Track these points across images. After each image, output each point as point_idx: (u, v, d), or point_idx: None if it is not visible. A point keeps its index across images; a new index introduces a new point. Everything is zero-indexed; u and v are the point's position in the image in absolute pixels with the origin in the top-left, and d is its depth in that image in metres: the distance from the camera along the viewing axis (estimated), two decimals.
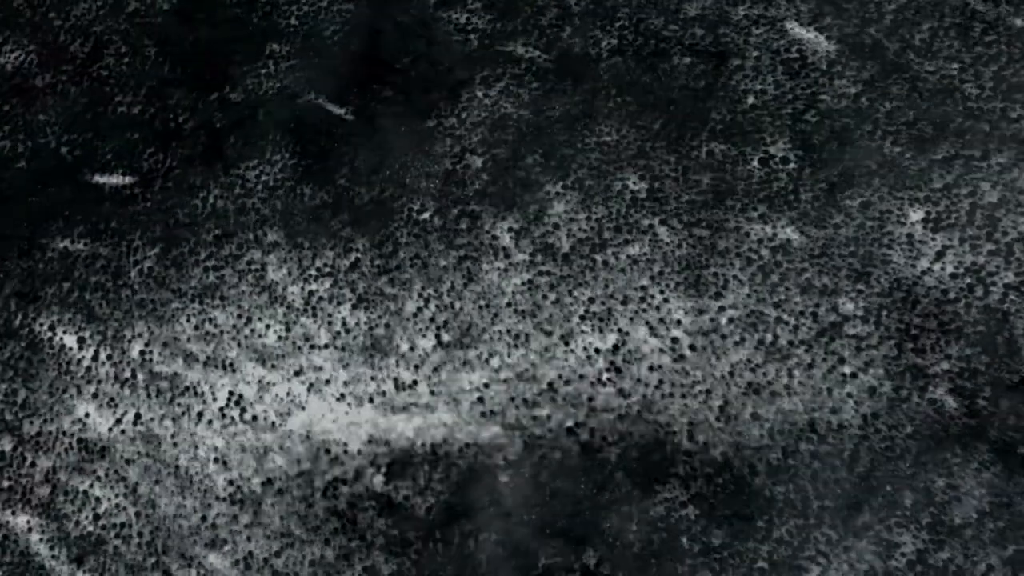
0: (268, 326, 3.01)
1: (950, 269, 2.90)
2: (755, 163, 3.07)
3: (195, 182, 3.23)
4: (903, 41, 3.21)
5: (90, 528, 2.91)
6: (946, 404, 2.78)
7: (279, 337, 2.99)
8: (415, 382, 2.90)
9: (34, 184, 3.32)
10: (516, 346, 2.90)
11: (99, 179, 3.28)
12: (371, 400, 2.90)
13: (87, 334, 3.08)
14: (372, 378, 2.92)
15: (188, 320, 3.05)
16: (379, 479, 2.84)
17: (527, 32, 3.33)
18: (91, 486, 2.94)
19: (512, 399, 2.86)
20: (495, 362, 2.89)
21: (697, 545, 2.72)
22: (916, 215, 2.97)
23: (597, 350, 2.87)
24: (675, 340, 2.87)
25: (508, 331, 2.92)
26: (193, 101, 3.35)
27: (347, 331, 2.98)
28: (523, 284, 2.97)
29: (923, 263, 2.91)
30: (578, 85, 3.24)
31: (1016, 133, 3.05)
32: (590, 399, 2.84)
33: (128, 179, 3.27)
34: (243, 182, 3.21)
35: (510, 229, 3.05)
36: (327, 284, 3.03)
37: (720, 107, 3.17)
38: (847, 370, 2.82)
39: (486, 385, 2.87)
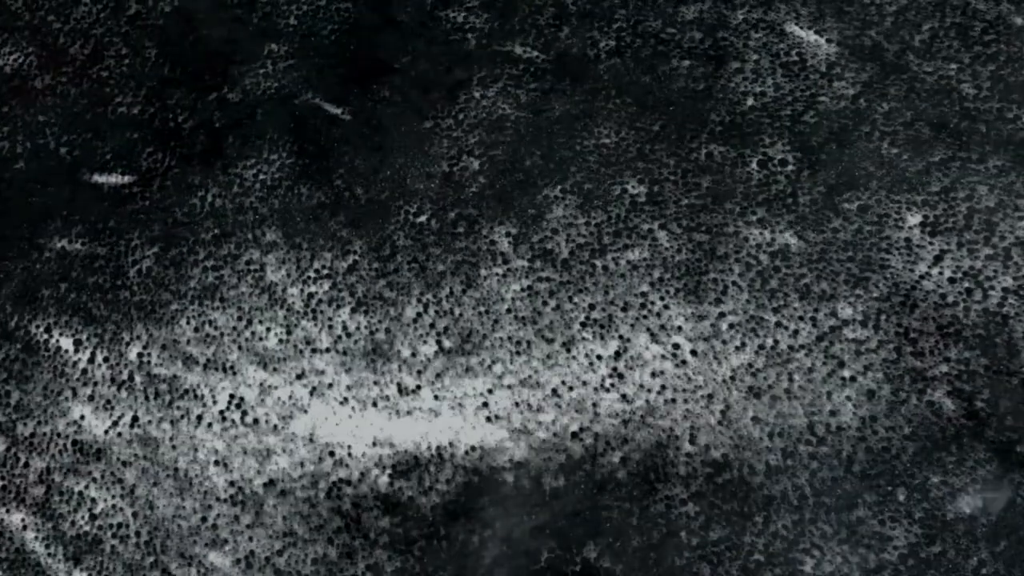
0: (269, 329, 3.00)
1: (948, 273, 2.91)
2: (754, 165, 3.07)
3: (194, 181, 3.22)
4: (903, 42, 3.22)
5: (86, 528, 2.91)
6: (944, 406, 2.79)
7: (280, 340, 2.99)
8: (419, 387, 2.91)
9: (33, 184, 3.30)
10: (518, 353, 2.90)
11: (98, 178, 3.27)
12: (375, 404, 2.90)
13: (84, 336, 3.07)
14: (375, 383, 2.92)
15: (188, 322, 3.04)
16: (384, 480, 2.84)
17: (525, 32, 3.32)
18: (87, 487, 2.94)
19: (516, 405, 2.86)
20: (498, 368, 2.90)
21: (696, 539, 2.74)
22: (914, 219, 2.98)
23: (599, 356, 2.88)
24: (676, 346, 2.88)
25: (509, 338, 2.92)
26: (192, 101, 3.34)
27: (348, 335, 2.98)
28: (522, 290, 2.97)
29: (921, 267, 2.92)
30: (577, 86, 3.23)
31: (1012, 134, 3.06)
32: (594, 404, 2.85)
33: (127, 178, 3.26)
34: (241, 181, 3.20)
35: (508, 234, 3.04)
36: (326, 286, 3.03)
37: (719, 108, 3.16)
38: (846, 374, 2.83)
39: (490, 391, 2.88)
